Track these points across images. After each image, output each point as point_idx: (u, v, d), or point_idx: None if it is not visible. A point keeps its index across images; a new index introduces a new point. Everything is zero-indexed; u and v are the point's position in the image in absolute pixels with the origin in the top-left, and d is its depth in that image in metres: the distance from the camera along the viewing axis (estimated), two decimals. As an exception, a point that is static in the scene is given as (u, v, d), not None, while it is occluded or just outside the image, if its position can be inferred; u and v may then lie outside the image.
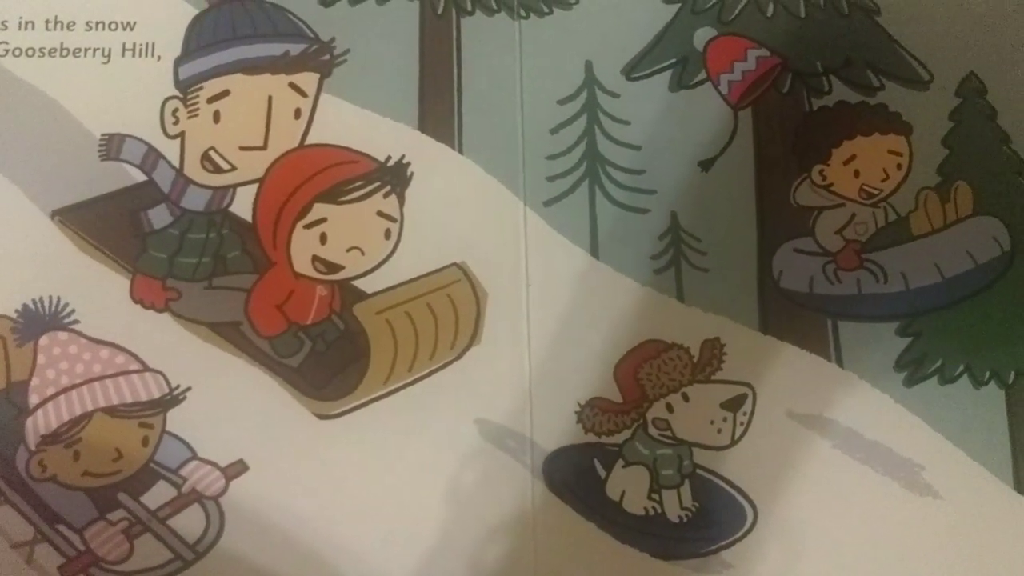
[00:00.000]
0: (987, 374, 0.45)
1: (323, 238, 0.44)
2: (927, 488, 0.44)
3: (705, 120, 0.47)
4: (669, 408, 0.44)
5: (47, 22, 0.45)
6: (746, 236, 0.46)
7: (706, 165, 0.47)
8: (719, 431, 0.44)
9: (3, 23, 0.45)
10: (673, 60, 0.48)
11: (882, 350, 0.45)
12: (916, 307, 0.46)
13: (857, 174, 0.47)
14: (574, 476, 0.43)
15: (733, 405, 0.44)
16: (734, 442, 0.44)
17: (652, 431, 0.44)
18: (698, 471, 0.44)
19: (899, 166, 0.47)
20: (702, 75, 0.48)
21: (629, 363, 0.44)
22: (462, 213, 0.45)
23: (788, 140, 0.47)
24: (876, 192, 0.47)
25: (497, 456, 0.43)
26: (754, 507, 0.43)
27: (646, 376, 0.44)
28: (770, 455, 0.44)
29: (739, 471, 0.44)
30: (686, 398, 0.44)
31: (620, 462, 0.44)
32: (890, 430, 0.44)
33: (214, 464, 0.42)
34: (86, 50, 0.45)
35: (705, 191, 0.46)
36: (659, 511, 0.43)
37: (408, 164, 0.45)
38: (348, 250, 0.44)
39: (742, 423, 0.44)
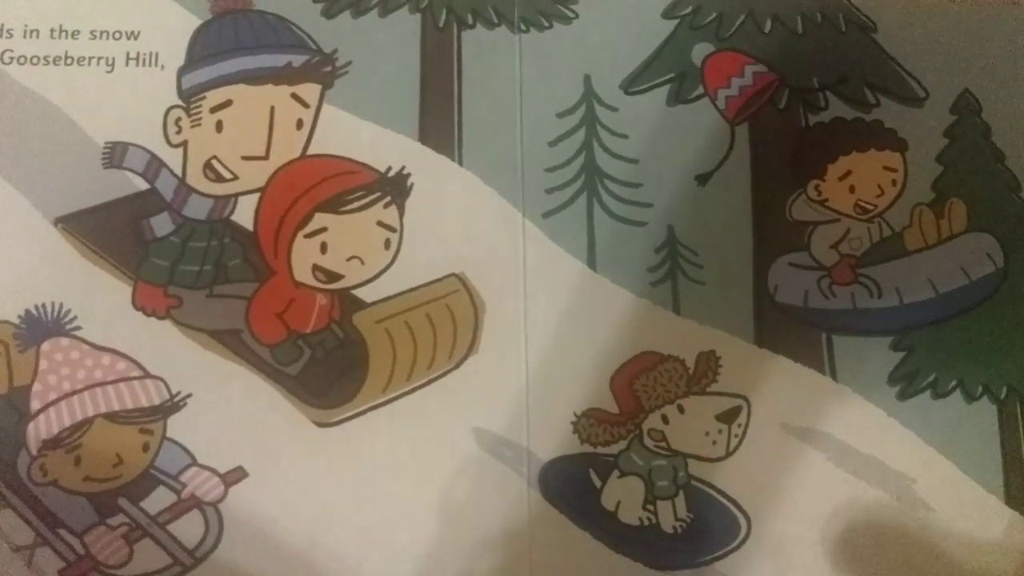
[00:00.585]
0: (979, 389, 0.46)
1: (323, 247, 0.44)
2: (919, 501, 0.45)
3: (702, 135, 0.48)
4: (664, 419, 0.45)
5: (52, 30, 0.46)
6: (742, 250, 0.47)
7: (703, 179, 0.47)
8: (714, 443, 0.45)
9: (8, 31, 0.46)
10: (671, 75, 0.49)
11: (876, 364, 0.46)
12: (910, 322, 0.47)
13: (852, 189, 0.48)
14: (570, 486, 0.44)
15: (728, 417, 0.45)
16: (729, 454, 0.45)
17: (647, 442, 0.45)
18: (693, 482, 0.45)
19: (894, 182, 0.48)
20: (700, 90, 0.49)
21: (625, 374, 0.45)
22: (461, 224, 0.46)
23: (784, 155, 0.48)
24: (871, 207, 0.48)
25: (494, 465, 0.44)
26: (748, 519, 0.44)
27: (642, 387, 0.45)
28: (764, 467, 0.45)
29: (733, 483, 0.44)
30: (681, 410, 0.45)
31: (615, 472, 0.44)
32: (883, 443, 0.45)
33: (213, 470, 0.42)
34: (90, 59, 0.46)
35: (702, 205, 0.47)
36: (654, 522, 0.44)
37: (408, 175, 0.46)
38: (348, 259, 0.45)
39: (737, 435, 0.45)
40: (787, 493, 0.45)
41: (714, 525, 0.44)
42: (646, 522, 0.44)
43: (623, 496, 0.44)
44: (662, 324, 0.46)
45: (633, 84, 0.48)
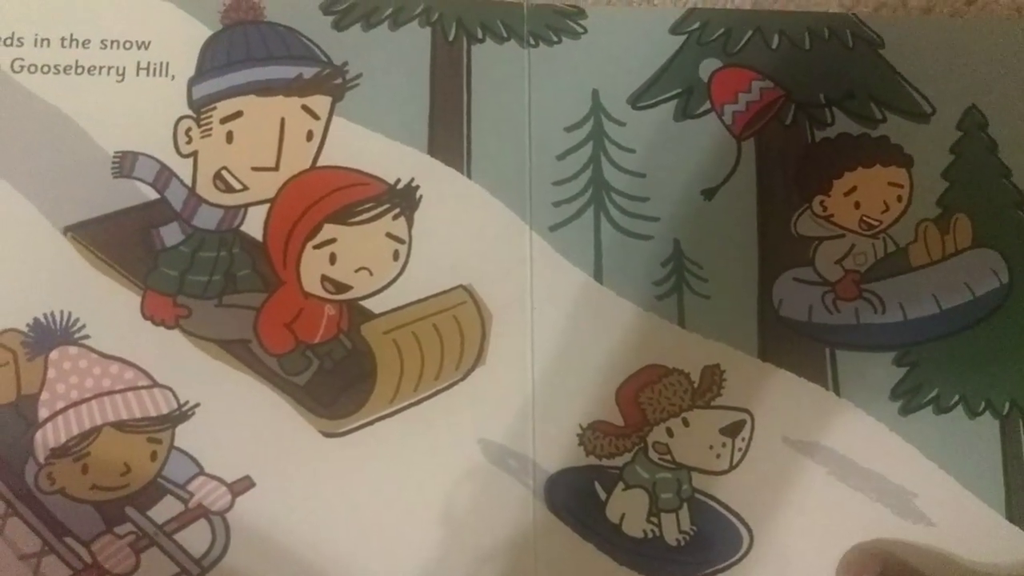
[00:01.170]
0: (982, 404, 0.46)
1: (332, 258, 0.44)
2: (919, 515, 0.45)
3: (709, 150, 0.48)
4: (669, 432, 0.45)
5: (63, 39, 0.45)
6: (747, 264, 0.47)
7: (709, 194, 0.47)
8: (718, 456, 0.45)
9: (19, 39, 0.45)
10: (678, 90, 0.48)
11: (878, 379, 0.46)
12: (913, 337, 0.47)
13: (858, 205, 0.48)
14: (575, 498, 0.44)
15: (732, 431, 0.45)
16: (732, 467, 0.45)
17: (652, 455, 0.44)
18: (696, 495, 0.44)
19: (899, 198, 0.48)
20: (706, 105, 0.48)
21: (630, 387, 0.45)
22: (469, 236, 0.46)
23: (790, 171, 0.48)
24: (876, 223, 0.48)
25: (500, 477, 0.43)
26: (750, 531, 0.44)
27: (647, 400, 0.45)
28: (767, 480, 0.45)
29: (736, 496, 0.44)
30: (686, 423, 0.45)
31: (620, 485, 0.44)
32: (884, 458, 0.45)
33: (221, 480, 0.42)
34: (101, 68, 0.45)
35: (708, 219, 0.47)
36: (658, 534, 0.44)
37: (417, 187, 0.46)
38: (357, 270, 0.45)
39: (740, 449, 0.45)
40: (789, 506, 0.45)
41: (717, 538, 0.44)
42: (650, 534, 0.44)
43: (628, 508, 0.44)
44: (667, 337, 0.46)
45: (640, 99, 0.48)
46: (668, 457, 0.45)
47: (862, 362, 0.46)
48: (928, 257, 0.48)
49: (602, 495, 0.44)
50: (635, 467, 0.44)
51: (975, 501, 0.45)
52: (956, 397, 0.46)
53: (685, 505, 0.44)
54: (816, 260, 0.47)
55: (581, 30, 0.49)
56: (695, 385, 0.45)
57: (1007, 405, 0.46)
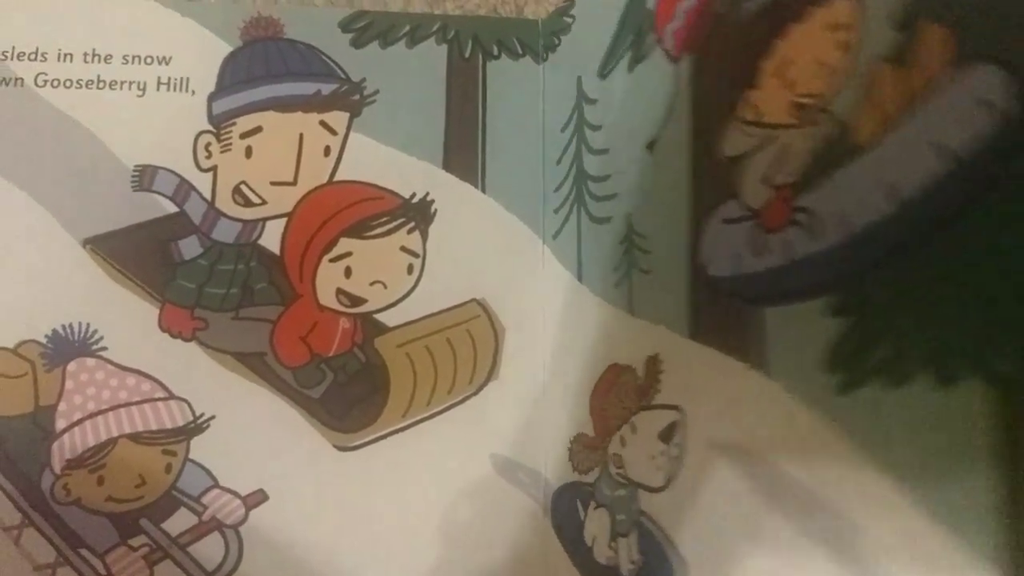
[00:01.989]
0: (966, 365, 0.22)
1: (348, 272, 0.43)
2: (863, 558, 0.24)
3: (654, 91, 0.36)
4: (622, 442, 0.36)
5: (85, 54, 0.44)
6: (679, 219, 0.33)
7: (652, 146, 0.36)
8: (657, 468, 0.33)
9: (42, 54, 0.43)
10: (632, 37, 0.38)
11: (810, 342, 0.26)
12: (855, 265, 0.26)
13: (791, 85, 0.29)
14: (566, 516, 0.41)
15: (666, 435, 0.33)
16: (667, 482, 0.33)
17: (611, 469, 0.37)
18: (642, 518, 0.34)
19: (845, 46, 0.27)
20: (653, 38, 0.37)
21: (597, 392, 0.39)
22: (483, 250, 0.44)
23: (722, 75, 0.32)
24: (813, 100, 0.28)
25: (511, 491, 0.41)
26: (685, 564, 0.32)
27: (609, 406, 0.38)
28: (696, 499, 0.32)
29: (673, 518, 0.32)
30: (634, 429, 0.35)
31: (592, 503, 0.38)
32: (820, 463, 0.26)
33: (235, 493, 0.40)
34: (122, 83, 0.43)
35: (649, 178, 0.37)
36: (615, 563, 0.36)
37: (432, 202, 0.44)
38: (371, 284, 0.43)
39: (675, 456, 0.32)
40: (724, 533, 0.30)
41: (657, 571, 0.33)
42: (610, 562, 0.36)
43: (597, 530, 0.38)
44: (620, 329, 0.38)
45: (606, 66, 0.41)
46: (622, 471, 0.36)
47: (792, 320, 0.28)
48: (882, 122, 0.25)
49: (580, 515, 0.39)
50: (600, 484, 0.37)
51: (956, 541, 0.22)
52: (923, 356, 0.23)
53: (635, 529, 0.34)
54: (742, 186, 0.30)
55: (571, 20, 0.45)
56: (639, 382, 0.35)
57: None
